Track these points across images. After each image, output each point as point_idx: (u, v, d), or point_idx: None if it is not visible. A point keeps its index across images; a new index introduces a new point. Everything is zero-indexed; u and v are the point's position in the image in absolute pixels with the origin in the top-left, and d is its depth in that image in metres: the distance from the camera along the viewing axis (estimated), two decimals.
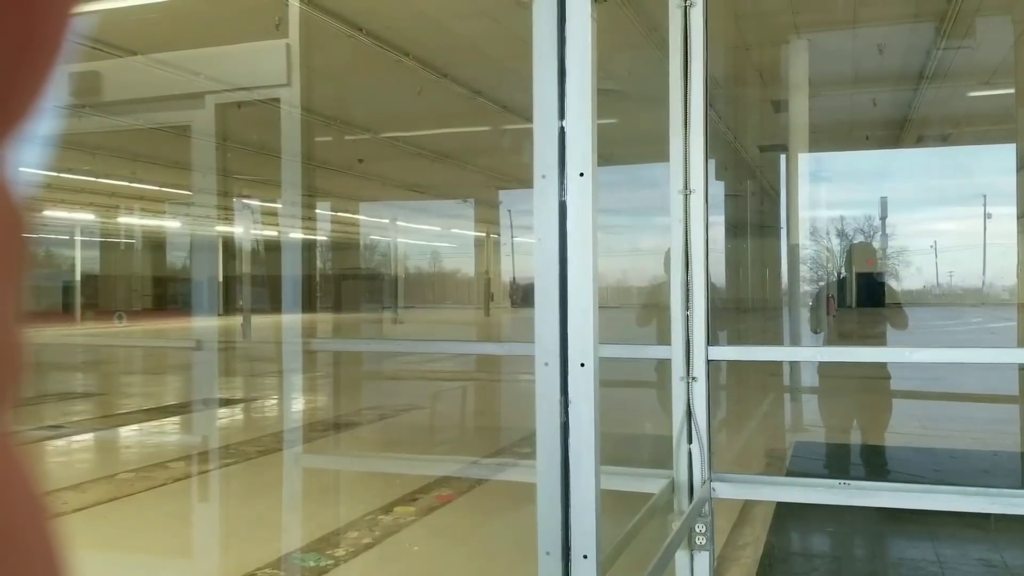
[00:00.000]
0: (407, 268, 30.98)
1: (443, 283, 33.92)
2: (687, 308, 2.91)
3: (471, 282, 30.11)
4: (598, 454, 1.81)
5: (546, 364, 1.83)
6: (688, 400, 2.89)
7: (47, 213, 21.36)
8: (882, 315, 6.98)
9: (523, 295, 24.38)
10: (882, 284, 7.58)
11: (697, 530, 2.77)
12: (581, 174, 1.82)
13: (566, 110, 1.83)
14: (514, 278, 27.06)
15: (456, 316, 27.43)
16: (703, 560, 2.77)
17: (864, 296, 7.39)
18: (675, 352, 2.91)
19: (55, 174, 15.19)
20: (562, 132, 1.83)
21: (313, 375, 10.17)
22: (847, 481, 2.79)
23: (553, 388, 1.83)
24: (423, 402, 10.41)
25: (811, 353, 6.57)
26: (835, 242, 18.77)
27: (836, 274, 12.98)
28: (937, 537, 4.81)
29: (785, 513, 5.18)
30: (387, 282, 27.77)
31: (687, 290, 2.92)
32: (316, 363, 9.97)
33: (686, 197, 2.92)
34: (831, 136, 12.03)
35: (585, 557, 1.79)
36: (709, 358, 2.90)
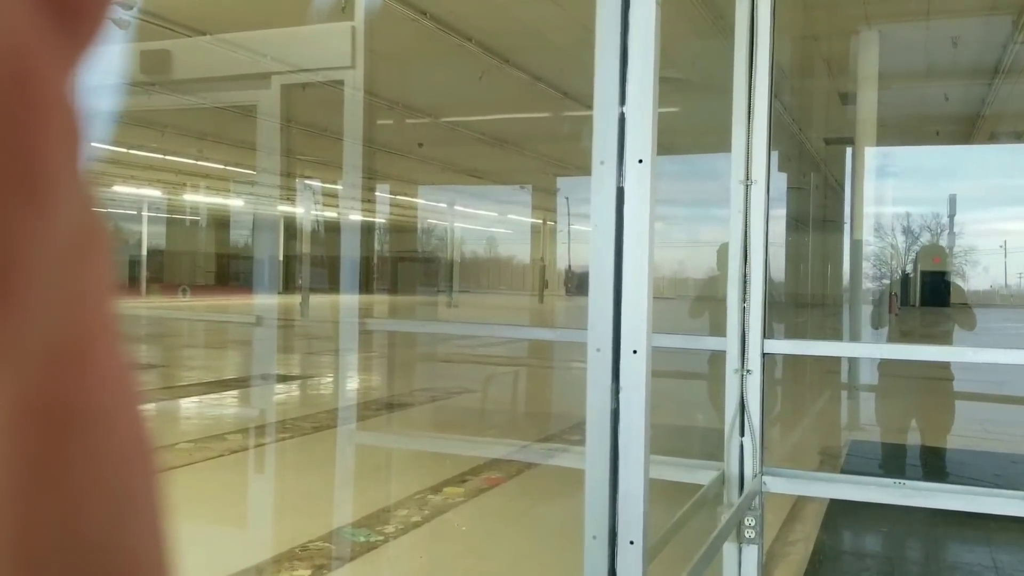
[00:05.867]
0: (463, 253, 31.11)
1: (498, 269, 34.00)
2: (744, 300, 2.89)
3: (526, 269, 30.11)
4: (647, 441, 1.81)
5: (598, 350, 1.83)
6: (742, 393, 2.86)
7: (116, 188, 21.94)
8: (946, 315, 6.80)
9: (578, 283, 24.29)
10: (948, 283, 7.37)
11: (746, 523, 2.75)
12: (640, 161, 1.81)
13: (627, 96, 1.82)
14: (569, 266, 26.97)
15: (510, 302, 27.48)
16: (751, 553, 2.76)
17: (928, 295, 7.21)
18: (730, 344, 2.89)
19: (124, 150, 15.60)
20: (622, 118, 1.82)
21: (368, 355, 10.31)
22: (902, 480, 2.74)
23: (605, 374, 1.83)
24: (475, 386, 10.47)
25: (868, 349, 6.45)
26: (900, 239, 18.31)
27: (900, 272, 12.69)
28: (994, 543, 4.70)
29: (838, 511, 5.11)
30: (443, 266, 27.95)
31: (744, 282, 2.89)
32: (371, 343, 10.10)
33: (747, 188, 2.89)
34: (900, 130, 11.73)
35: (632, 543, 1.79)
36: (764, 351, 2.87)
